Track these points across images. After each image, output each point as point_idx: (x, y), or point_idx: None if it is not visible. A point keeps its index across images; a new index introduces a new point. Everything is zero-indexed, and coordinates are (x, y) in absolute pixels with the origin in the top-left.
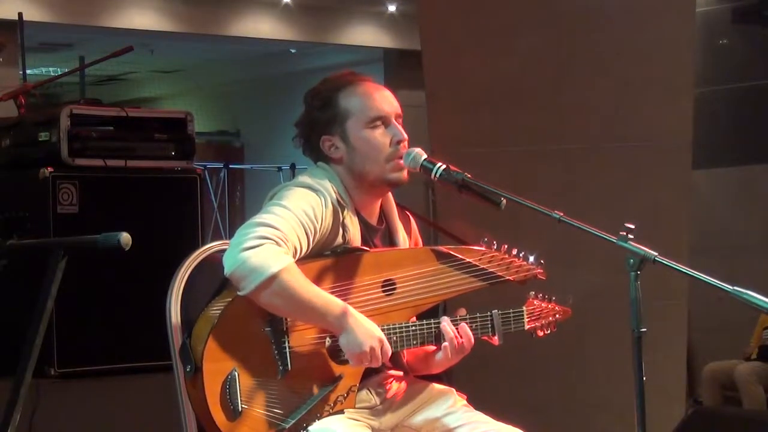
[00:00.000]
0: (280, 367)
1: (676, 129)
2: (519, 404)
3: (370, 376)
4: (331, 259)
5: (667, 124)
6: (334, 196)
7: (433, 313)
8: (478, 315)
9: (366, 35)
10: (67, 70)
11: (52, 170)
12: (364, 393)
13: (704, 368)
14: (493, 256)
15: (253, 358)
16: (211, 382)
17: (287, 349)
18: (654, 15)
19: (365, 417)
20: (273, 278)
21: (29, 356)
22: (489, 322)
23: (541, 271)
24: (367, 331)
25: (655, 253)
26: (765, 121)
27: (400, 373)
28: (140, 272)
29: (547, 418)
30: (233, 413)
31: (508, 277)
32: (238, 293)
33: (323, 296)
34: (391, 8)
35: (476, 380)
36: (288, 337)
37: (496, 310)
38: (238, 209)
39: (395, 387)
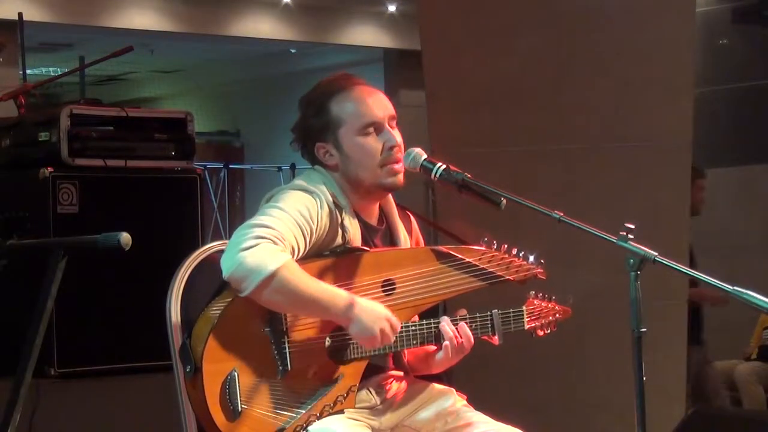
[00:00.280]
0: (280, 368)
1: (676, 129)
2: (519, 404)
3: (370, 376)
4: (331, 259)
5: (667, 124)
6: (329, 198)
7: (433, 313)
8: (478, 315)
9: (366, 35)
10: (67, 70)
11: (52, 170)
12: (364, 393)
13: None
14: (493, 256)
15: (252, 359)
16: (210, 383)
17: (287, 349)
18: (654, 15)
19: (365, 417)
20: (272, 276)
21: (29, 356)
22: (489, 321)
23: (541, 270)
24: (373, 314)
25: (655, 253)
26: (765, 121)
27: (401, 373)
28: (140, 272)
29: (547, 418)
30: (233, 413)
31: (508, 277)
32: (240, 294)
33: (325, 289)
34: (391, 8)
35: (476, 380)
36: (288, 337)
37: (496, 310)
38: (238, 209)
39: (395, 387)
